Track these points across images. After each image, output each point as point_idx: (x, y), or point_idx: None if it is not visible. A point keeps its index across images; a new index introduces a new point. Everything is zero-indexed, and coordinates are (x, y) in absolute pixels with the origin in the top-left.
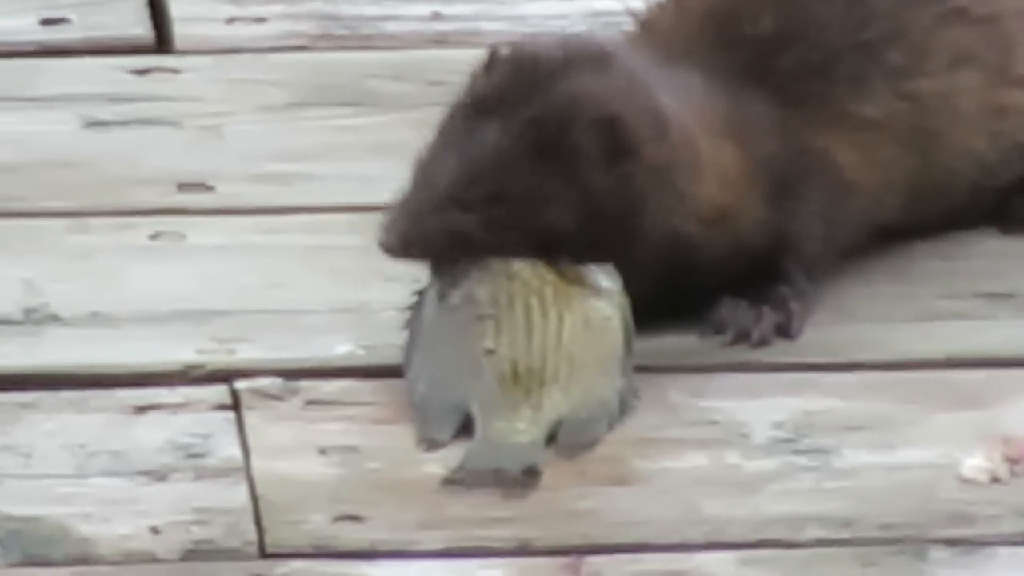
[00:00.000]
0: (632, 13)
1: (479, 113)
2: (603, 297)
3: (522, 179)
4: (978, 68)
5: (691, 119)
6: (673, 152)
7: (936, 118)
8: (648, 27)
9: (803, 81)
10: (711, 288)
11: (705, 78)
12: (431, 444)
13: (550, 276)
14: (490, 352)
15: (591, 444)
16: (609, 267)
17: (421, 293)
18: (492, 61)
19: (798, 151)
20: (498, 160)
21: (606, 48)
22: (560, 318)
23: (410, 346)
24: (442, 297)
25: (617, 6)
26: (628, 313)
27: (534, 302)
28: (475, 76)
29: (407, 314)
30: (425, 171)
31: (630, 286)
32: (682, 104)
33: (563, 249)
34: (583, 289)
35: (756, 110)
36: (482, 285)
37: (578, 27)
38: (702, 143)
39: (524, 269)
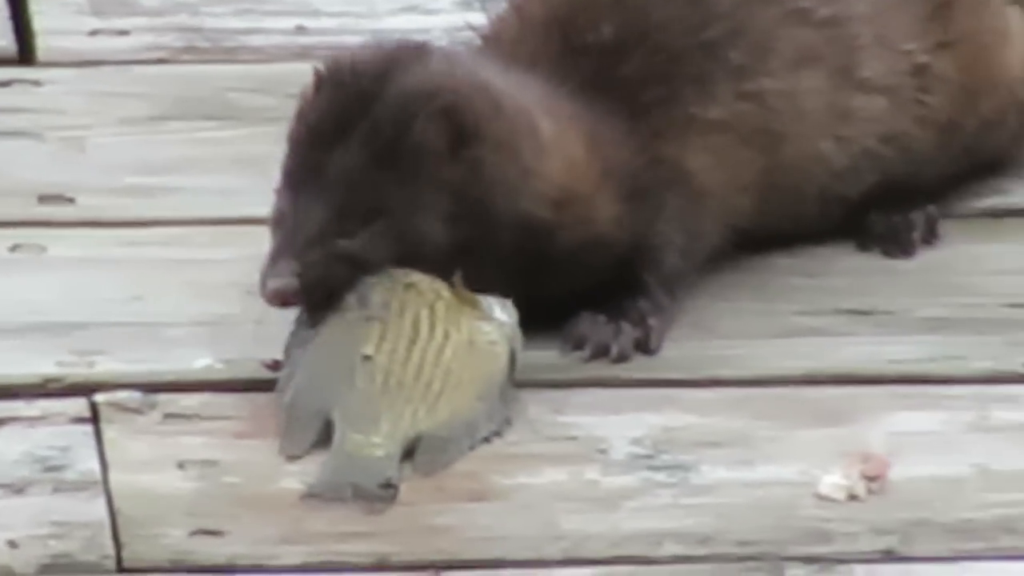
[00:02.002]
0: (474, 27)
1: (321, 140)
2: (494, 324)
3: (387, 191)
4: (822, 70)
5: (530, 104)
6: (512, 126)
7: (781, 118)
8: (492, 40)
9: (647, 87)
10: (571, 296)
11: (550, 84)
12: (291, 454)
13: (446, 293)
14: (367, 359)
15: (448, 463)
16: (507, 302)
17: None
18: (318, 82)
19: (649, 160)
20: (358, 179)
21: (422, 44)
22: (446, 335)
23: (292, 343)
24: None
25: (480, 20)
26: (518, 345)
27: (424, 314)
28: (304, 101)
29: (262, 326)
30: (289, 214)
31: (494, 287)
32: (521, 93)
33: (442, 254)
34: (476, 312)
35: (603, 117)
36: (377, 289)
37: (440, 41)
38: (543, 123)
39: (422, 281)
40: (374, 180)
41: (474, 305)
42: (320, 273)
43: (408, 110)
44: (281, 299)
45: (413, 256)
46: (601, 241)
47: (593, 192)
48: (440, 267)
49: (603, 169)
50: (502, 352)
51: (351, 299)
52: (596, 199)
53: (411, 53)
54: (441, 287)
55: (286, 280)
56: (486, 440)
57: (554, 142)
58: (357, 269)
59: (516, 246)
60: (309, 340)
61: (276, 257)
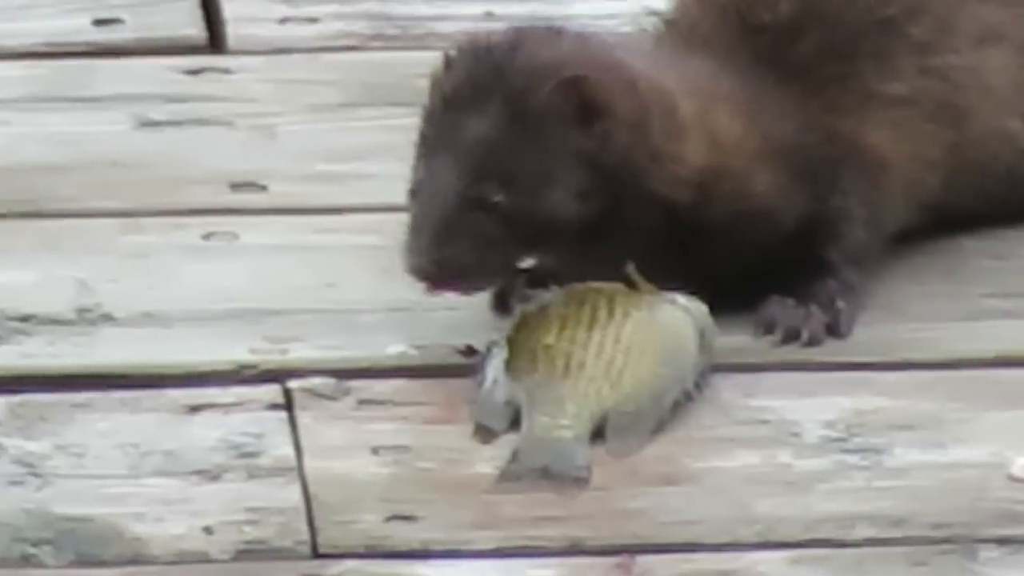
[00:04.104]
0: (657, 12)
1: (453, 111)
2: (677, 306)
3: (519, 157)
4: (1008, 47)
5: (673, 85)
6: (644, 107)
7: (966, 94)
8: (672, 24)
9: (825, 64)
10: (759, 279)
11: (717, 63)
12: (485, 435)
13: (624, 289)
14: (548, 347)
15: (639, 443)
16: (691, 297)
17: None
18: (449, 60)
19: (823, 135)
20: (490, 145)
21: (556, 25)
22: (626, 315)
23: (487, 350)
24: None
25: (665, 5)
26: (708, 328)
27: (603, 303)
28: (436, 78)
29: (454, 312)
30: (423, 185)
31: (655, 272)
32: (665, 75)
33: (578, 225)
34: (657, 297)
35: (772, 93)
36: (558, 295)
37: (629, 27)
38: (686, 104)
39: (601, 284)
40: (506, 146)
41: (654, 293)
42: (461, 256)
43: (538, 79)
44: (422, 278)
45: (548, 228)
46: (762, 213)
47: (748, 166)
48: (580, 239)
49: (762, 143)
50: (687, 327)
51: (532, 306)
52: (752, 172)
53: (544, 31)
54: (619, 287)
55: (424, 263)
56: (676, 405)
57: (696, 122)
58: (497, 247)
59: (653, 224)
60: (502, 333)
61: (416, 231)
